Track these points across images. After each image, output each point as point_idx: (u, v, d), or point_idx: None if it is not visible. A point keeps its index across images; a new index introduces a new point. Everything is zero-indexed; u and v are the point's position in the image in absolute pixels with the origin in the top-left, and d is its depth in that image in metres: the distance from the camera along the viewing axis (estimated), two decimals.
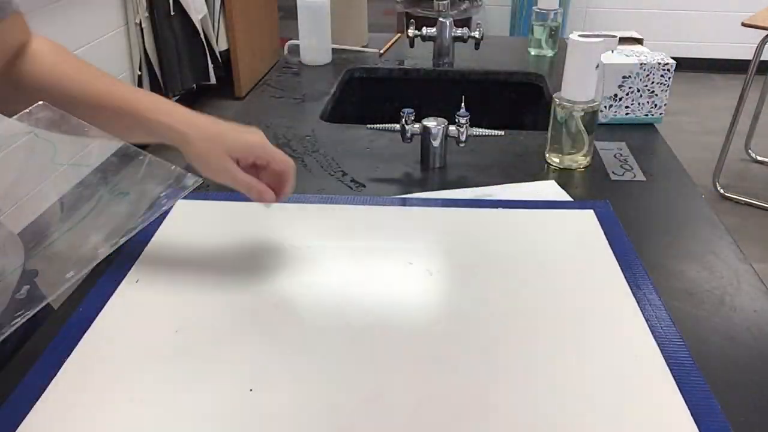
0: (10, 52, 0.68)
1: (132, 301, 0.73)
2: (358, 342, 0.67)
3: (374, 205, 0.94)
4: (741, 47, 4.01)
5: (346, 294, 0.74)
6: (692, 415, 0.59)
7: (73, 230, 0.68)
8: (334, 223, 0.90)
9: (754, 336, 0.70)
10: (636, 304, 0.74)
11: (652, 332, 0.69)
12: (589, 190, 1.03)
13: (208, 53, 3.61)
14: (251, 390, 0.61)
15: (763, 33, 2.50)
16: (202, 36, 3.55)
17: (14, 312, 0.60)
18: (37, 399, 0.60)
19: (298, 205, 0.93)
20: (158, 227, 0.87)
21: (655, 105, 1.24)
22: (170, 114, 0.71)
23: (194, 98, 3.72)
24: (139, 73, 3.24)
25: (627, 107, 1.24)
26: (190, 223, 0.89)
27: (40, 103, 0.64)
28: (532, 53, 1.65)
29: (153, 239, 0.84)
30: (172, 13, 3.32)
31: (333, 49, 1.59)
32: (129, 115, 0.69)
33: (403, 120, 1.10)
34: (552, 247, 0.86)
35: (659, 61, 1.20)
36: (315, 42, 1.54)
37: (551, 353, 0.67)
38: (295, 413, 0.59)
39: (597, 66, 1.03)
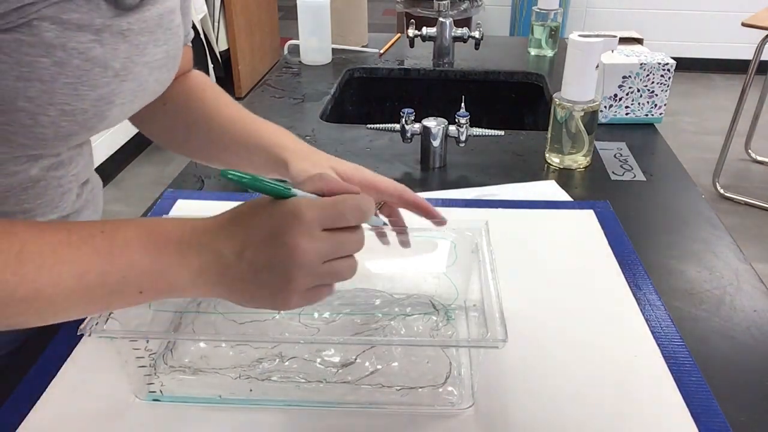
0: (180, 71, 0.71)
1: None
2: (359, 335, 0.67)
3: None
4: (741, 47, 4.01)
5: (346, 293, 0.74)
6: (692, 415, 0.59)
7: None
8: None
9: (754, 336, 0.70)
10: (636, 304, 0.74)
11: (652, 332, 0.69)
12: (589, 190, 1.03)
13: (208, 53, 3.62)
14: (251, 390, 0.61)
15: (763, 33, 2.50)
16: (202, 36, 3.55)
17: None
18: (37, 399, 0.61)
19: None
20: None
21: (655, 105, 1.24)
22: (296, 152, 0.69)
23: None
24: None
25: (627, 107, 1.24)
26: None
27: None
28: (532, 53, 1.65)
29: None
30: None
31: (333, 49, 1.59)
32: (265, 153, 0.68)
33: (403, 120, 1.10)
34: (552, 247, 0.86)
35: (659, 61, 1.20)
36: (315, 42, 1.55)
37: (551, 353, 0.67)
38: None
39: (597, 66, 1.03)
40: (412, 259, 0.72)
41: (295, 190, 0.48)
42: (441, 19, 1.52)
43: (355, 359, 0.63)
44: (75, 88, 0.48)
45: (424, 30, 1.54)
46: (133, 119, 0.71)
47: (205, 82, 0.74)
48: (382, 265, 0.74)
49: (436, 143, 1.09)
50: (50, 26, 0.45)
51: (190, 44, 0.73)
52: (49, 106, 0.47)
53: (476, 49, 1.53)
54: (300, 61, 1.59)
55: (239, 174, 0.45)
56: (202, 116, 0.71)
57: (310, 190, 0.49)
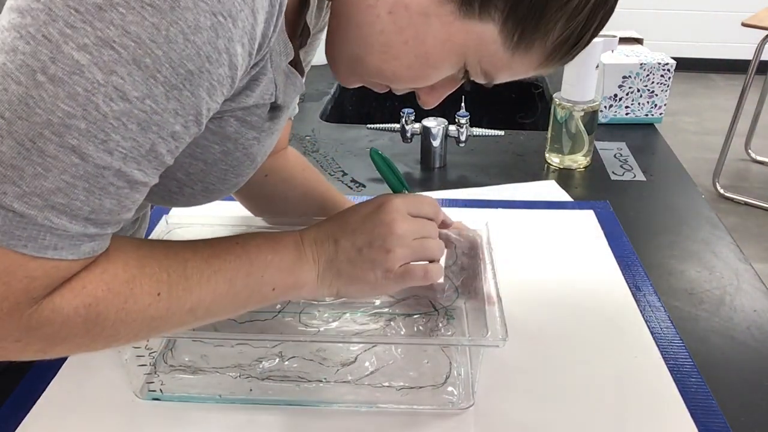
0: (279, 147, 0.77)
1: None
2: (359, 332, 0.67)
3: None
4: (741, 47, 4.01)
5: None
6: (692, 415, 0.59)
7: None
8: None
9: (754, 336, 0.70)
10: (636, 304, 0.74)
11: (652, 332, 0.69)
12: (589, 190, 1.03)
13: None
14: (251, 390, 0.61)
15: (763, 33, 2.50)
16: None
17: None
18: (37, 399, 0.61)
19: None
20: (156, 224, 0.87)
21: (655, 105, 1.24)
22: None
23: None
24: None
25: (627, 107, 1.24)
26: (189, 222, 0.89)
27: None
28: None
29: (151, 237, 0.84)
30: None
31: None
32: (329, 210, 0.75)
33: (403, 120, 1.10)
34: (552, 247, 0.86)
35: (659, 61, 1.20)
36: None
37: (551, 353, 0.67)
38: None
39: (597, 66, 1.03)
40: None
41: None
42: None
43: (355, 359, 0.63)
44: (225, 173, 0.53)
45: None
46: None
47: (304, 161, 0.81)
48: None
49: (436, 143, 1.09)
50: (234, 122, 0.50)
51: (292, 118, 0.78)
52: (199, 183, 0.52)
53: None
54: None
55: (384, 158, 0.62)
56: (301, 192, 0.78)
57: None
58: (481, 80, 0.53)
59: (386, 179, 0.60)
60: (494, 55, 0.48)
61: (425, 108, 0.59)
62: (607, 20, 0.49)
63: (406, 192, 0.58)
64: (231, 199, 0.81)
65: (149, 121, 0.39)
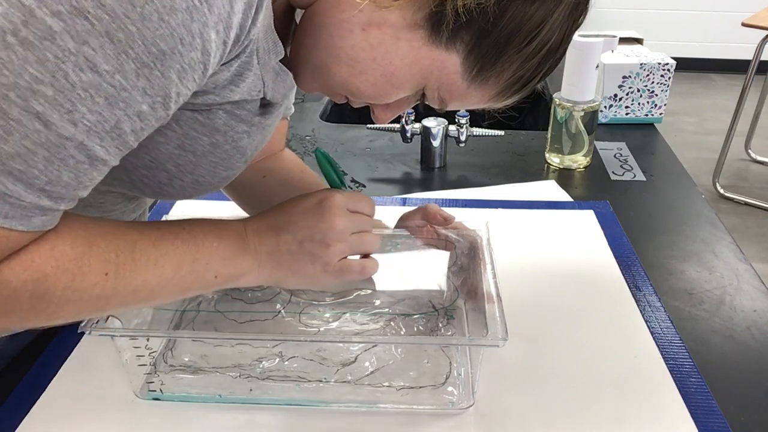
0: (276, 148, 0.78)
1: None
2: (359, 332, 0.67)
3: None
4: (741, 47, 4.01)
5: (347, 294, 0.74)
6: (692, 415, 0.59)
7: None
8: None
9: (754, 336, 0.70)
10: (636, 304, 0.74)
11: (652, 333, 0.69)
12: (589, 190, 1.03)
13: None
14: (251, 390, 0.61)
15: (763, 33, 2.50)
16: None
17: None
18: (37, 399, 0.61)
19: None
20: None
21: (655, 105, 1.24)
22: None
23: None
24: None
25: (627, 107, 1.24)
26: None
27: None
28: None
29: None
30: None
31: None
32: None
33: (403, 120, 1.10)
34: (552, 247, 0.86)
35: (659, 61, 1.20)
36: None
37: (551, 353, 0.67)
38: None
39: (597, 66, 1.03)
40: (412, 260, 0.72)
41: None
42: None
43: (355, 359, 0.63)
44: (215, 166, 0.54)
45: None
46: (226, 187, 0.77)
47: (301, 163, 0.82)
48: (382, 265, 0.74)
49: (436, 143, 1.09)
50: (223, 115, 0.51)
51: (288, 118, 0.78)
52: (189, 175, 0.53)
53: None
54: None
55: (327, 156, 0.61)
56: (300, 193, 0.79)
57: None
58: (435, 105, 0.55)
59: (327, 177, 0.62)
60: (453, 83, 0.52)
61: (377, 123, 0.61)
62: (554, 67, 0.53)
63: (345, 189, 0.61)
64: (228, 199, 0.81)
65: (117, 96, 0.39)
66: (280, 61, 0.52)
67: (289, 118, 0.79)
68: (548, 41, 0.49)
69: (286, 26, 0.56)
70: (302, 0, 0.52)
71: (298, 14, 0.57)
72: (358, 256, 0.59)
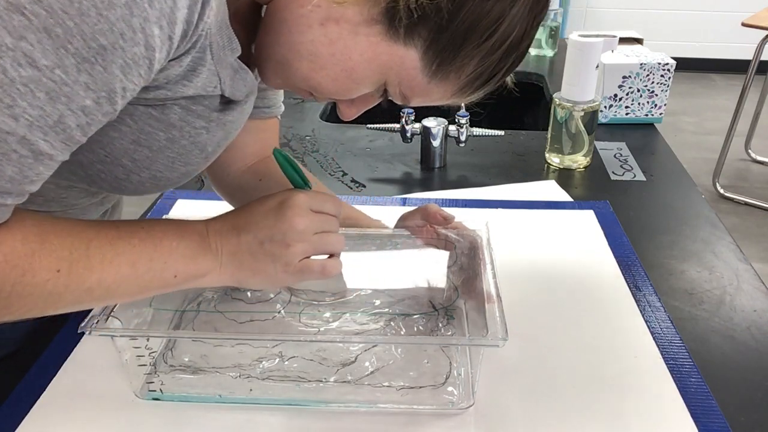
0: (269, 150, 0.77)
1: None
2: (359, 332, 0.67)
3: (374, 205, 0.94)
4: (741, 47, 4.01)
5: (347, 293, 0.74)
6: (692, 415, 0.59)
7: None
8: None
9: (754, 336, 0.70)
10: (636, 304, 0.74)
11: (652, 333, 0.69)
12: (589, 190, 1.03)
13: None
14: (251, 390, 0.61)
15: (763, 33, 2.50)
16: None
17: None
18: (37, 398, 0.61)
19: None
20: None
21: (655, 105, 1.24)
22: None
23: None
24: None
25: (627, 107, 1.24)
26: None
27: None
28: (532, 53, 1.65)
29: None
30: None
31: None
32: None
33: (403, 120, 1.10)
34: (552, 247, 0.86)
35: (659, 61, 1.20)
36: None
37: (551, 353, 0.67)
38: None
39: (597, 66, 1.03)
40: (412, 260, 0.72)
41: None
42: None
43: (355, 359, 0.63)
44: (173, 161, 0.54)
45: None
46: (223, 191, 0.78)
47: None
48: (382, 265, 0.74)
49: (436, 143, 1.09)
50: (178, 110, 0.51)
51: (279, 117, 0.78)
52: (145, 170, 0.53)
53: None
54: None
55: (287, 157, 0.58)
56: None
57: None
58: (398, 101, 0.55)
59: (289, 177, 0.61)
60: (413, 79, 0.52)
61: (344, 120, 0.60)
62: (518, 63, 0.53)
63: (308, 189, 0.60)
64: (222, 199, 0.81)
65: (58, 91, 0.39)
66: (247, 57, 0.52)
67: (279, 117, 0.78)
68: (509, 36, 0.49)
69: (253, 23, 0.56)
70: None
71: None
72: (325, 256, 0.58)
